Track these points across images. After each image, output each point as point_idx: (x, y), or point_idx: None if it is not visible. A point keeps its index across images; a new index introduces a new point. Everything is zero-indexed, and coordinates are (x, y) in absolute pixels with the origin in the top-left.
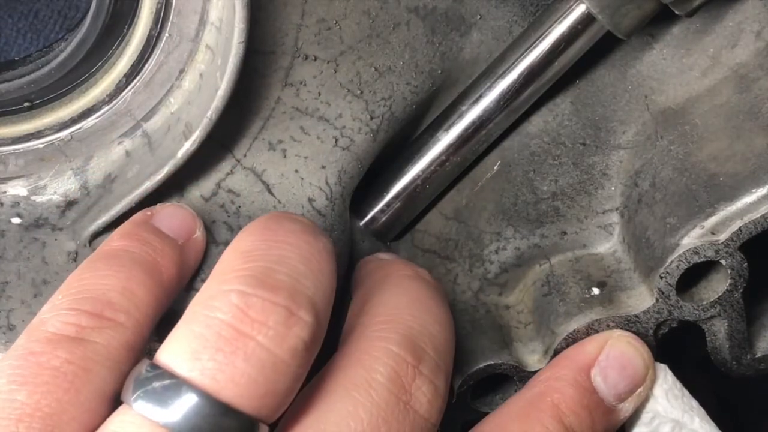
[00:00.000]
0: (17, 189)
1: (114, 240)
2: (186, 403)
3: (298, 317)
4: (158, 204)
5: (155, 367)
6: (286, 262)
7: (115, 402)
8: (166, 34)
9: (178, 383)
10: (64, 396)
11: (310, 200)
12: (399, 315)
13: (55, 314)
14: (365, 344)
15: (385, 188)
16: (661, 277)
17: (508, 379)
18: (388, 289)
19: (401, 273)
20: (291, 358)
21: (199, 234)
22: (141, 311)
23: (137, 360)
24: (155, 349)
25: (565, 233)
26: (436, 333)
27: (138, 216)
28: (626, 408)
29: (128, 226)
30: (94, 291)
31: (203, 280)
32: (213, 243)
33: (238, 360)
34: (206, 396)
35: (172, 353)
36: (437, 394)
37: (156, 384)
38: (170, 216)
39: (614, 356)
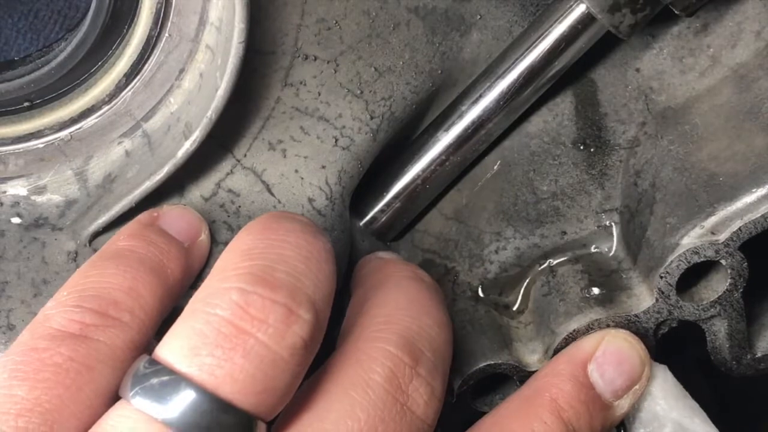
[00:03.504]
0: (17, 189)
1: (120, 239)
2: (184, 399)
3: (298, 315)
4: (164, 205)
5: (153, 363)
6: (286, 261)
7: (116, 400)
8: (166, 34)
9: (176, 379)
10: (65, 393)
11: (310, 200)
12: (397, 316)
13: (59, 310)
14: (363, 344)
15: (385, 188)
16: (661, 277)
17: (508, 379)
18: (388, 289)
19: (401, 274)
20: (290, 355)
21: (204, 237)
22: (145, 312)
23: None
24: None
25: (565, 233)
26: (434, 335)
27: (144, 216)
28: (623, 405)
29: (135, 227)
30: (100, 289)
31: (203, 280)
32: (213, 243)
33: (237, 356)
34: (204, 392)
35: (171, 349)
36: (434, 396)
37: (154, 380)
38: (177, 218)
39: (611, 352)
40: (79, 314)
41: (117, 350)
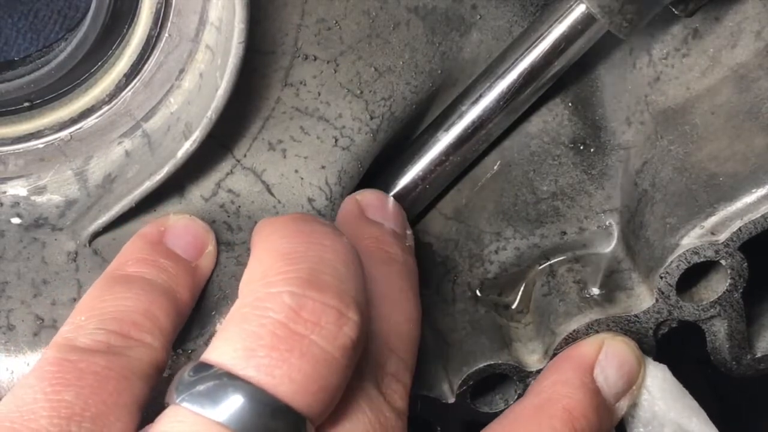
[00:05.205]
0: (17, 189)
1: (129, 264)
2: (234, 403)
3: (348, 317)
4: (171, 215)
5: (198, 370)
6: (329, 264)
7: (146, 415)
8: (166, 34)
9: (223, 384)
10: (109, 399)
11: (310, 200)
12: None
13: (81, 333)
14: None
15: (385, 188)
16: (661, 277)
17: (508, 379)
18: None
19: (374, 256)
20: (341, 355)
21: (211, 248)
22: (162, 333)
23: (159, 380)
24: (176, 359)
25: (565, 233)
26: (404, 332)
27: (151, 232)
28: (622, 406)
29: (142, 246)
30: (118, 312)
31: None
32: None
33: (294, 357)
34: (260, 393)
35: (224, 352)
36: (405, 391)
37: (200, 387)
38: (183, 232)
39: (612, 355)
40: (103, 335)
41: (144, 366)
